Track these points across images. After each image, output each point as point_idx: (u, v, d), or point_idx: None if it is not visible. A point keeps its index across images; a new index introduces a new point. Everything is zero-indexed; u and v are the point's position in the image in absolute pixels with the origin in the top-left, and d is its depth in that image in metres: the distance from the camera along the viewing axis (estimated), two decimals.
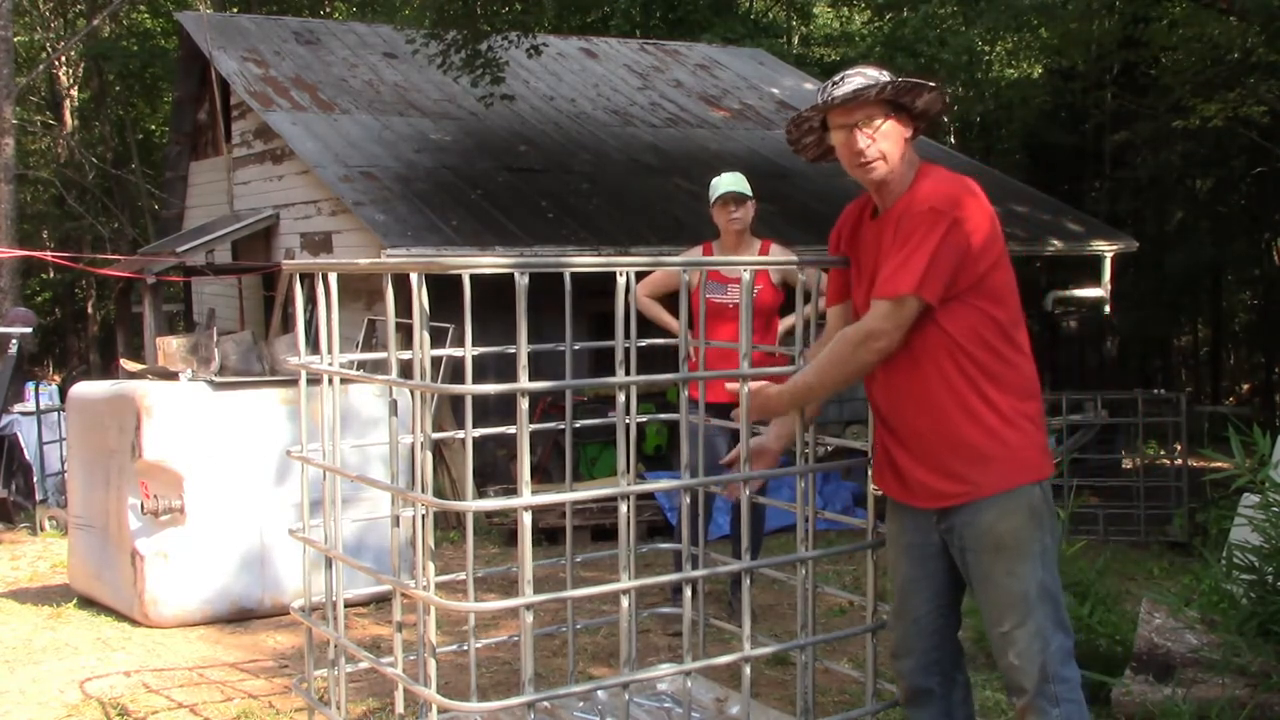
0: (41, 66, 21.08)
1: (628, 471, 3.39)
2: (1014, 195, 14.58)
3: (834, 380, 3.05)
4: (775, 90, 16.86)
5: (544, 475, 9.42)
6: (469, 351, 3.51)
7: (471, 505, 3.08)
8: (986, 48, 21.56)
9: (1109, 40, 15.00)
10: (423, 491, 3.21)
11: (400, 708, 3.42)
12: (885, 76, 3.02)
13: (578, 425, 3.98)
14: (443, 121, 13.32)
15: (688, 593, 3.78)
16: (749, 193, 5.55)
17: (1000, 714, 4.29)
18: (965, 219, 2.92)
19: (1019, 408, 2.98)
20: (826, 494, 8.83)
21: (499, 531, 8.15)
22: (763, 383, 3.28)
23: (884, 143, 3.00)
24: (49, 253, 18.63)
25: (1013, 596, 2.94)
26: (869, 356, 2.96)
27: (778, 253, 5.66)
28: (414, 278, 3.03)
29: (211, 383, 5.87)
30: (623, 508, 3.35)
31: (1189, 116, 12.24)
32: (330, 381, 3.55)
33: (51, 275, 24.18)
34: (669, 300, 5.02)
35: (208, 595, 5.76)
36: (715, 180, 5.63)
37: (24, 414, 10.29)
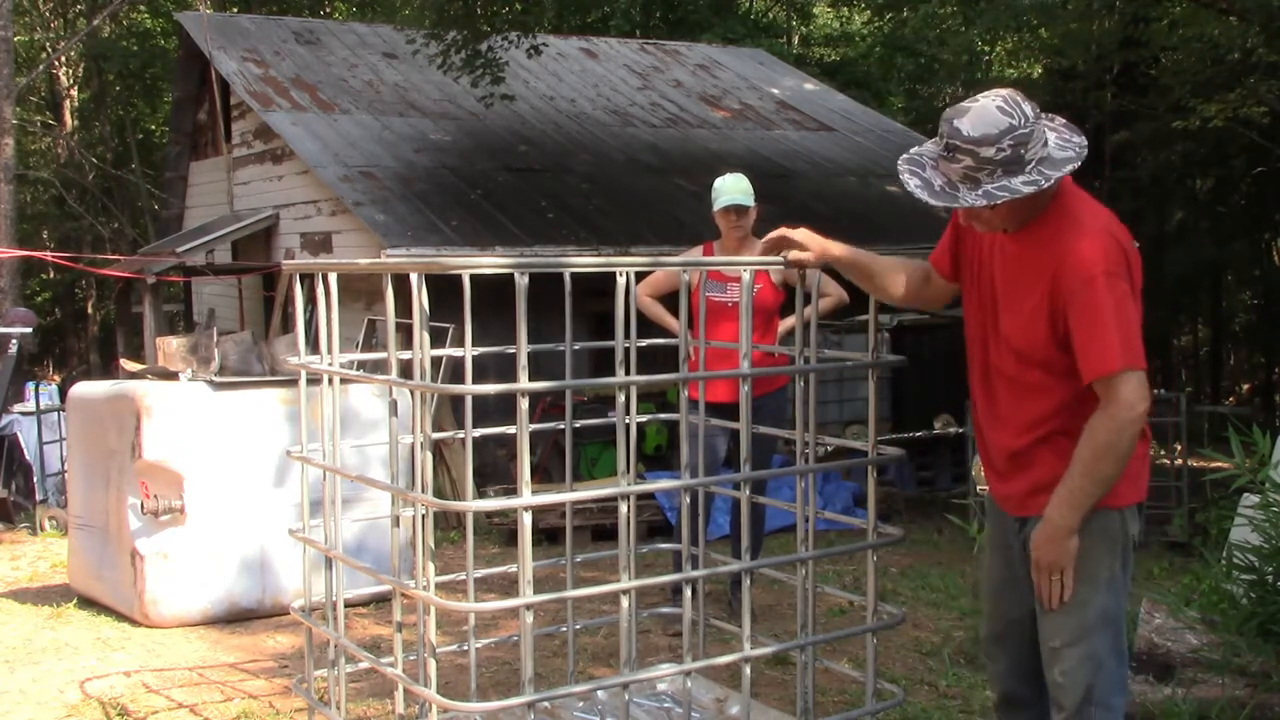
0: (41, 66, 21.09)
1: (628, 471, 3.39)
2: None
3: (1110, 475, 2.76)
4: (775, 90, 16.86)
5: (544, 475, 9.42)
6: (469, 351, 3.51)
7: (471, 505, 3.08)
8: (986, 48, 21.56)
9: (1109, 40, 15.00)
10: (423, 491, 3.20)
11: (400, 708, 3.42)
12: (1004, 143, 2.65)
13: (578, 425, 3.98)
14: (443, 121, 13.32)
15: (688, 593, 3.78)
16: (752, 202, 5.54)
17: None
18: (1134, 280, 2.75)
19: None
20: (826, 494, 8.83)
21: (499, 531, 8.15)
22: (1056, 535, 2.84)
23: (999, 214, 2.79)
24: (49, 253, 18.63)
25: (1070, 616, 2.83)
26: (1135, 429, 2.72)
27: None
28: (414, 278, 3.02)
29: (211, 383, 5.86)
30: (623, 508, 3.35)
31: (1189, 116, 12.23)
32: (330, 382, 3.55)
33: (51, 275, 24.19)
34: (669, 300, 5.02)
35: (208, 595, 5.76)
36: (718, 183, 5.60)
37: (24, 414, 10.31)
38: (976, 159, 2.66)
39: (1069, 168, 2.69)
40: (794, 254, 3.23)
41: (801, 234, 3.23)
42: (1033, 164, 2.67)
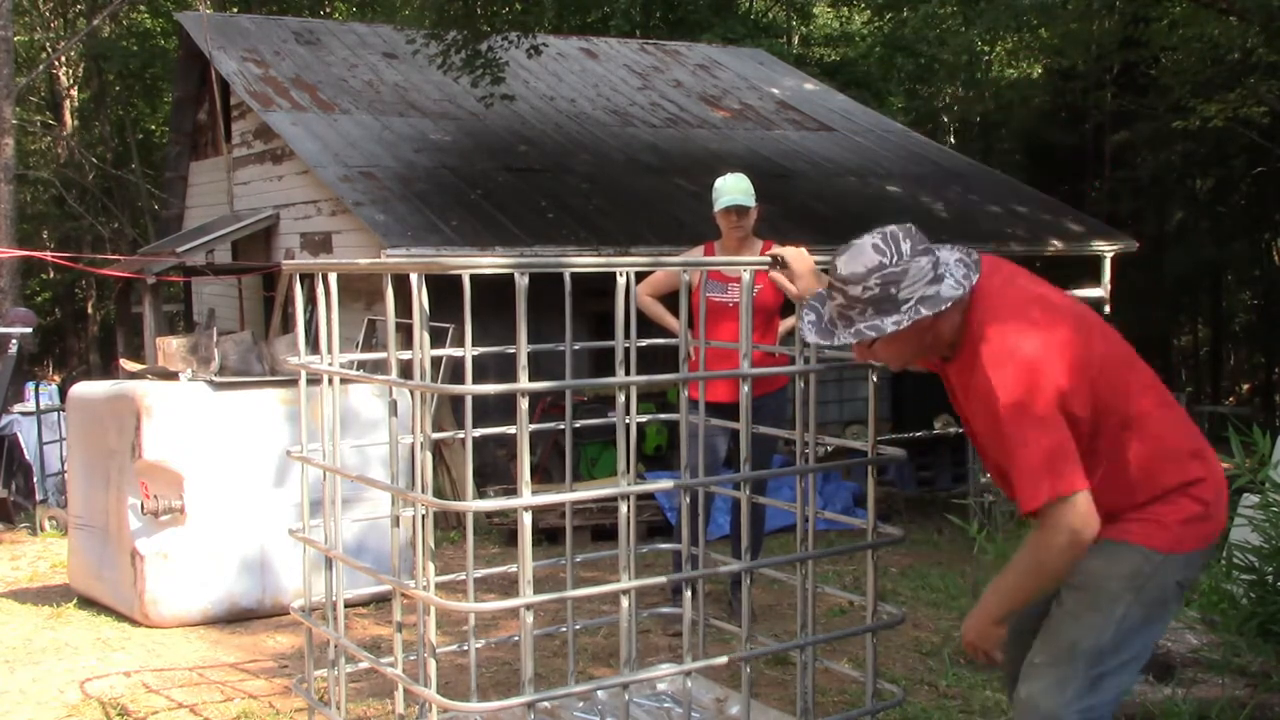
0: (41, 66, 21.09)
1: (628, 471, 3.39)
2: (1014, 195, 14.59)
3: (1043, 587, 2.71)
4: (775, 90, 16.86)
5: (544, 475, 9.42)
6: (469, 351, 3.51)
7: (471, 505, 3.08)
8: (986, 48, 21.57)
9: (1109, 40, 15.01)
10: (423, 492, 3.21)
11: (400, 708, 3.42)
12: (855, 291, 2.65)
13: (578, 425, 3.98)
14: (443, 121, 13.32)
15: (688, 593, 3.78)
16: (752, 203, 5.54)
17: (1000, 714, 4.29)
18: (1043, 385, 2.61)
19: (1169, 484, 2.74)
20: (826, 494, 8.83)
21: (499, 531, 8.15)
22: (982, 620, 2.82)
23: (887, 352, 2.77)
24: (49, 253, 18.64)
25: (1061, 636, 2.74)
26: (1070, 553, 2.62)
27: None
28: (414, 278, 3.03)
29: (211, 383, 5.86)
30: (623, 508, 3.35)
31: (1189, 116, 12.24)
32: (330, 382, 3.55)
33: (51, 275, 24.20)
34: (670, 300, 5.03)
35: (208, 595, 5.75)
36: (719, 184, 5.59)
37: (24, 414, 10.31)
38: (847, 297, 2.69)
39: (944, 307, 2.65)
40: (779, 278, 3.26)
41: (798, 260, 3.24)
42: (910, 303, 2.65)
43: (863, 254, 2.67)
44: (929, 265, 2.67)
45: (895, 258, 2.65)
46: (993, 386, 2.61)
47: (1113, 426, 2.71)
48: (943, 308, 2.65)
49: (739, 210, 5.52)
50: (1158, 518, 2.71)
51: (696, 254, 5.87)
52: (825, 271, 3.28)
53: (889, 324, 2.65)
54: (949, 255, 2.75)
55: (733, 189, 5.52)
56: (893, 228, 2.71)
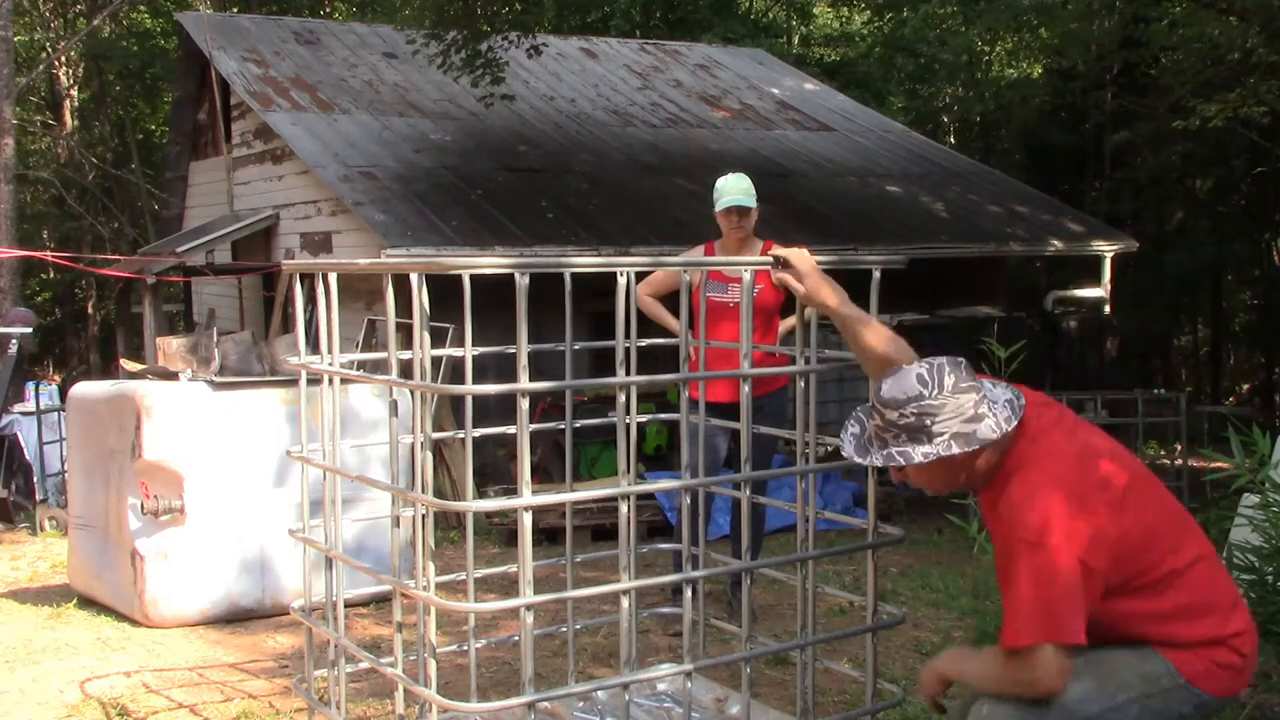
0: (41, 66, 21.07)
1: (628, 471, 3.39)
2: (1014, 195, 14.59)
3: (992, 689, 2.74)
4: (775, 90, 16.86)
5: (544, 475, 9.42)
6: (469, 351, 3.51)
7: (471, 505, 3.08)
8: (986, 48, 21.55)
9: (1109, 40, 14.99)
10: (423, 492, 3.20)
11: (400, 708, 3.42)
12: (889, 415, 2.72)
13: (578, 425, 3.98)
14: (443, 121, 13.32)
15: (688, 593, 3.78)
16: (754, 203, 5.53)
17: None
18: (1067, 534, 2.60)
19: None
20: (826, 494, 8.83)
21: (499, 531, 8.15)
22: (937, 666, 2.90)
23: (920, 478, 2.81)
24: (49, 253, 18.63)
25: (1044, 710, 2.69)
26: (1031, 693, 2.65)
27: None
28: (414, 278, 3.02)
29: (211, 383, 5.86)
30: (623, 508, 3.35)
31: (1189, 116, 12.22)
32: (330, 382, 3.55)
33: (51, 275, 24.18)
34: (670, 300, 5.02)
35: (208, 595, 5.76)
36: (721, 183, 5.58)
37: (24, 414, 10.30)
38: (884, 419, 2.75)
39: (976, 446, 2.69)
40: (786, 277, 3.26)
41: (801, 261, 3.24)
42: (943, 437, 2.69)
43: (905, 381, 2.74)
44: (969, 404, 2.71)
45: (935, 391, 2.70)
46: (1025, 518, 2.63)
47: (1150, 581, 2.71)
48: (975, 447, 2.69)
49: (740, 210, 5.51)
50: (1198, 653, 2.72)
51: (697, 254, 5.87)
52: (827, 272, 3.30)
53: (918, 454, 2.71)
54: (999, 394, 2.78)
55: (734, 189, 5.52)
56: (942, 360, 2.77)
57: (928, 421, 2.69)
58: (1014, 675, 2.64)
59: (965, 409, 2.70)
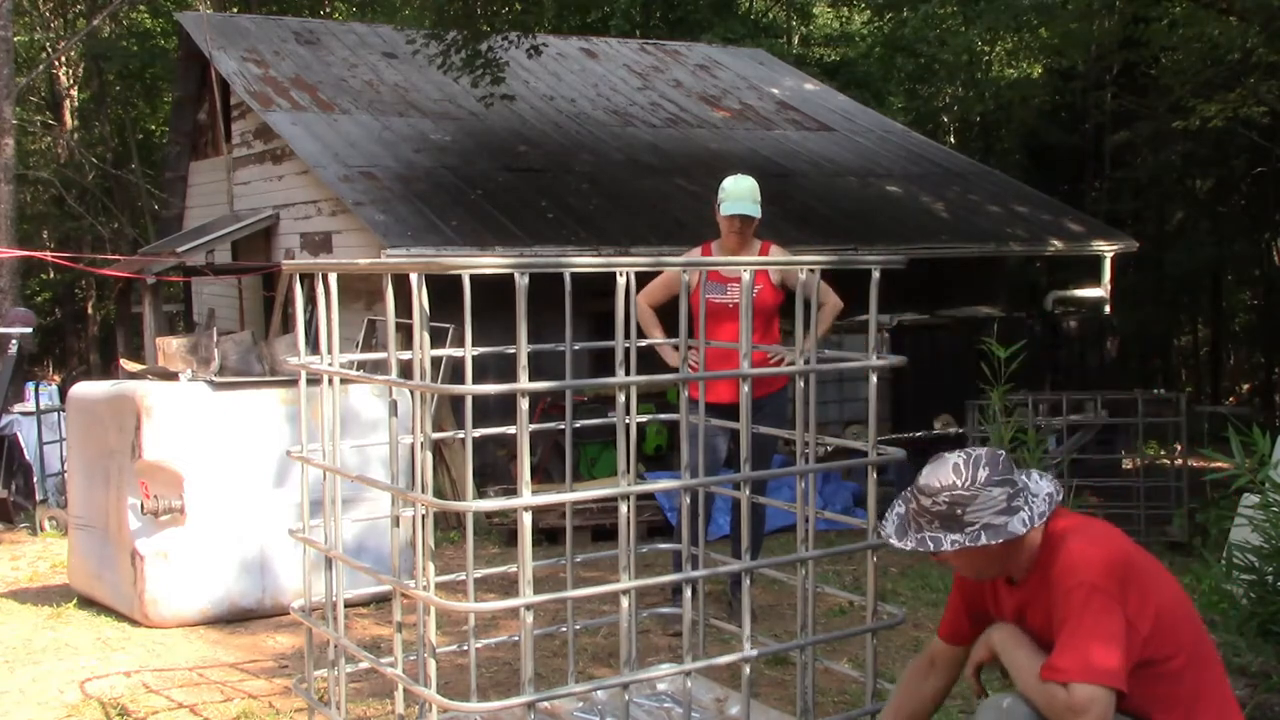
0: (41, 66, 21.08)
1: (628, 471, 3.39)
2: (1014, 195, 14.59)
3: (1027, 691, 2.80)
4: (775, 90, 16.86)
5: (544, 475, 9.42)
6: (469, 351, 3.51)
7: (471, 505, 3.08)
8: (986, 48, 21.56)
9: (1109, 40, 15.00)
10: (423, 492, 3.21)
11: (400, 708, 3.42)
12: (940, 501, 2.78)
13: (578, 425, 3.98)
14: (443, 121, 13.32)
15: (688, 593, 3.78)
16: (759, 212, 5.50)
17: None
18: (1130, 608, 2.69)
19: None
20: (826, 494, 8.83)
21: (499, 531, 8.15)
22: (993, 637, 2.96)
23: (958, 562, 2.88)
24: (49, 253, 18.64)
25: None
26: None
27: (777, 254, 5.65)
28: (414, 278, 3.03)
29: (211, 383, 5.86)
30: (623, 508, 3.35)
31: (1189, 116, 12.24)
32: (330, 382, 3.55)
33: (51, 275, 24.18)
34: (669, 306, 5.01)
35: (208, 595, 5.75)
36: (729, 185, 5.52)
37: (24, 414, 10.29)
38: (919, 505, 2.83)
39: (1006, 539, 2.75)
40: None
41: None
42: (974, 527, 2.76)
43: (941, 470, 2.81)
44: (1003, 496, 2.78)
45: (969, 483, 2.77)
46: (1084, 563, 2.71)
47: (1169, 671, 2.76)
48: (1004, 539, 2.75)
49: (744, 220, 5.49)
50: None
51: (694, 255, 5.85)
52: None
53: (947, 541, 2.78)
54: (1041, 487, 2.85)
55: (742, 196, 5.46)
56: (981, 452, 2.83)
57: (959, 511, 2.77)
58: (1064, 702, 2.66)
59: (998, 501, 2.77)
